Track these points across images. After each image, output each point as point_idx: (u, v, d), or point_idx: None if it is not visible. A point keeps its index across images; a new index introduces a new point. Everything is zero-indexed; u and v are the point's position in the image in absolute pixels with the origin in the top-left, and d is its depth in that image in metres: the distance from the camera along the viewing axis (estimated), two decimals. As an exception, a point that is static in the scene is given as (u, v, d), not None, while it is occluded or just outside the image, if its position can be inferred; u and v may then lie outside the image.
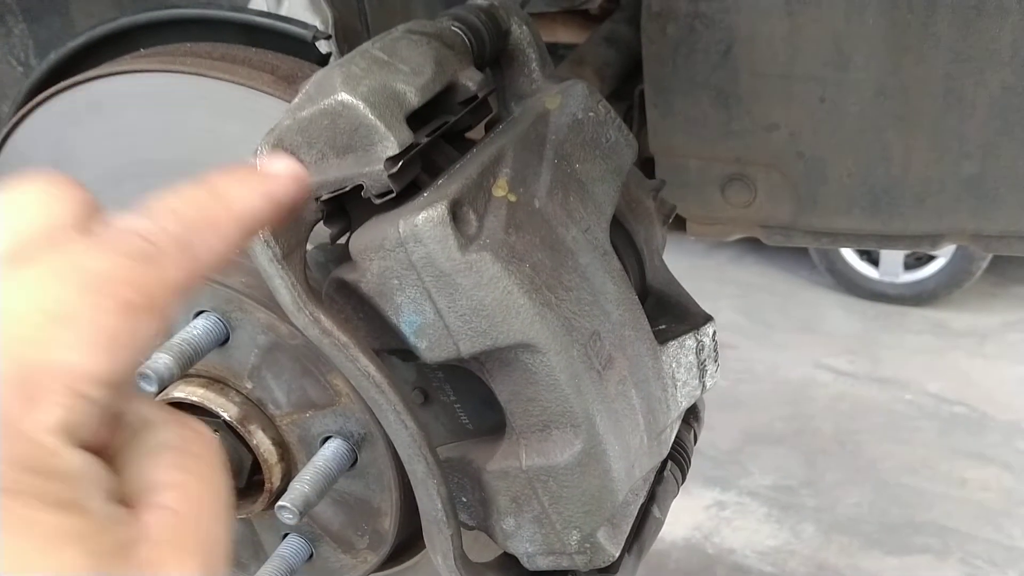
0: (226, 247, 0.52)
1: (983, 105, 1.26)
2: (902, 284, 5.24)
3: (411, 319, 0.77)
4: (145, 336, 0.45)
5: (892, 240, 1.42)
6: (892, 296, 5.28)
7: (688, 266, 5.77)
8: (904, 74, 1.27)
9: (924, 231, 1.38)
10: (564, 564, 0.84)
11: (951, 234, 1.38)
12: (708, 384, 0.96)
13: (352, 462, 0.94)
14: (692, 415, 1.06)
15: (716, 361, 0.97)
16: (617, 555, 0.84)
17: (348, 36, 0.96)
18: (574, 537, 0.82)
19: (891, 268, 5.23)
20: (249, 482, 1.00)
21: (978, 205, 1.33)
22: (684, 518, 3.73)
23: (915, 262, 5.21)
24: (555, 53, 1.72)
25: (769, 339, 4.97)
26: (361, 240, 0.77)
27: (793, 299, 5.43)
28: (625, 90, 1.55)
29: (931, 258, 5.15)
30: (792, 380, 4.63)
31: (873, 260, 5.28)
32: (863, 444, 4.14)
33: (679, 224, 1.55)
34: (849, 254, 5.28)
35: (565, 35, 1.88)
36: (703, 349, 0.95)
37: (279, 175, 0.58)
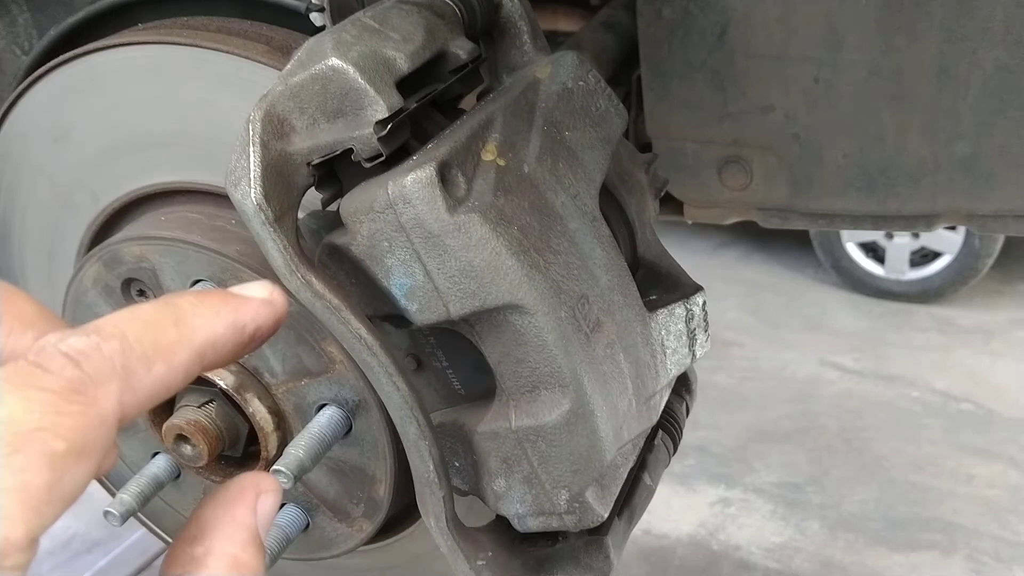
0: (177, 379, 0.46)
1: (977, 84, 1.26)
2: (908, 282, 5.24)
3: (401, 281, 0.78)
4: (79, 482, 0.40)
5: (888, 221, 1.42)
6: (898, 294, 5.27)
7: (695, 265, 5.76)
8: (897, 54, 1.27)
9: (919, 211, 1.38)
10: (554, 524, 0.85)
11: (946, 214, 1.38)
12: (698, 353, 0.97)
13: (347, 429, 0.95)
14: (684, 387, 1.07)
15: (706, 331, 0.98)
16: (606, 516, 0.85)
17: (343, 12, 0.97)
18: (563, 497, 0.83)
19: (897, 266, 5.23)
20: (245, 452, 1.01)
21: (972, 185, 1.33)
22: (689, 515, 3.73)
23: (921, 259, 5.21)
24: (554, 41, 1.73)
25: (775, 337, 4.97)
26: (351, 203, 0.78)
27: (799, 297, 5.43)
28: (623, 76, 1.56)
29: (937, 255, 5.15)
30: (798, 378, 4.62)
31: (879, 258, 5.28)
32: (869, 441, 4.14)
33: (677, 209, 1.56)
34: (855, 252, 5.28)
35: (565, 24, 1.89)
36: (693, 318, 0.95)
37: (253, 303, 0.52)
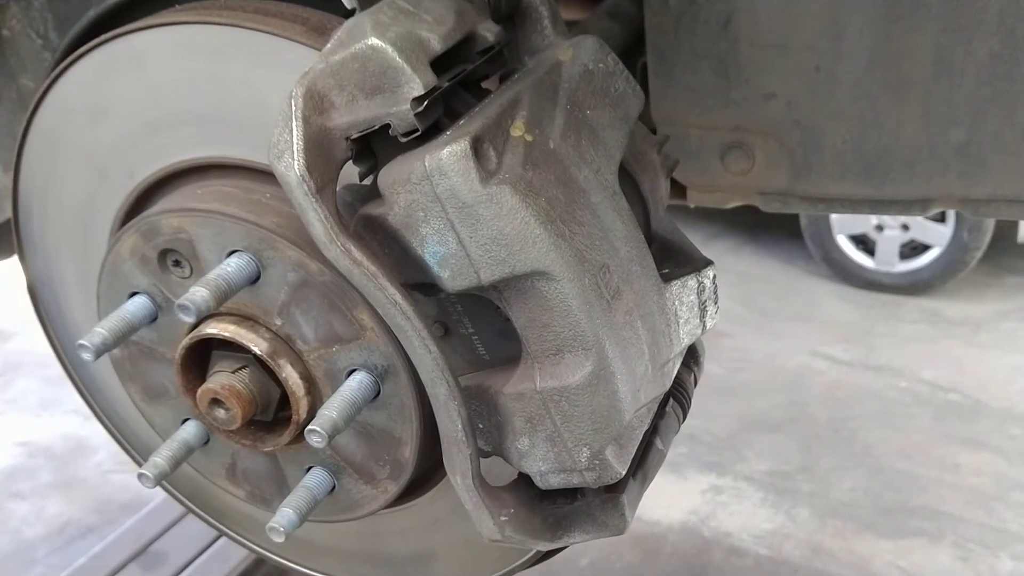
0: None
1: (971, 73, 1.31)
2: (897, 274, 5.31)
3: (435, 250, 0.83)
4: None
5: (884, 205, 1.46)
6: (887, 286, 5.34)
7: (686, 257, 5.82)
8: (895, 43, 1.31)
9: (915, 196, 1.43)
10: (574, 481, 0.90)
11: (940, 199, 1.42)
12: (708, 324, 1.02)
13: (375, 393, 0.99)
14: (692, 359, 1.12)
15: (716, 303, 1.03)
16: (624, 473, 0.90)
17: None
18: (584, 454, 0.87)
19: (886, 258, 5.29)
20: (276, 417, 1.06)
21: (966, 170, 1.38)
22: (681, 502, 3.78)
23: (910, 252, 5.27)
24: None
25: (766, 328, 5.03)
26: (389, 175, 0.83)
27: (790, 289, 5.49)
28: (627, 63, 1.60)
29: (926, 248, 5.21)
30: (788, 368, 4.68)
31: (869, 250, 5.35)
32: (858, 430, 4.19)
33: (680, 192, 1.61)
34: (845, 244, 5.35)
35: (566, 12, 1.92)
36: (704, 290, 1.01)
37: None
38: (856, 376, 4.61)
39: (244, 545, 1.38)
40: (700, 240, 5.83)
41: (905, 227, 5.22)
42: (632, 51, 1.58)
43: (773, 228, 5.79)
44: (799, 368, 4.68)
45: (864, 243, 5.35)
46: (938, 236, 5.16)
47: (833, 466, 3.97)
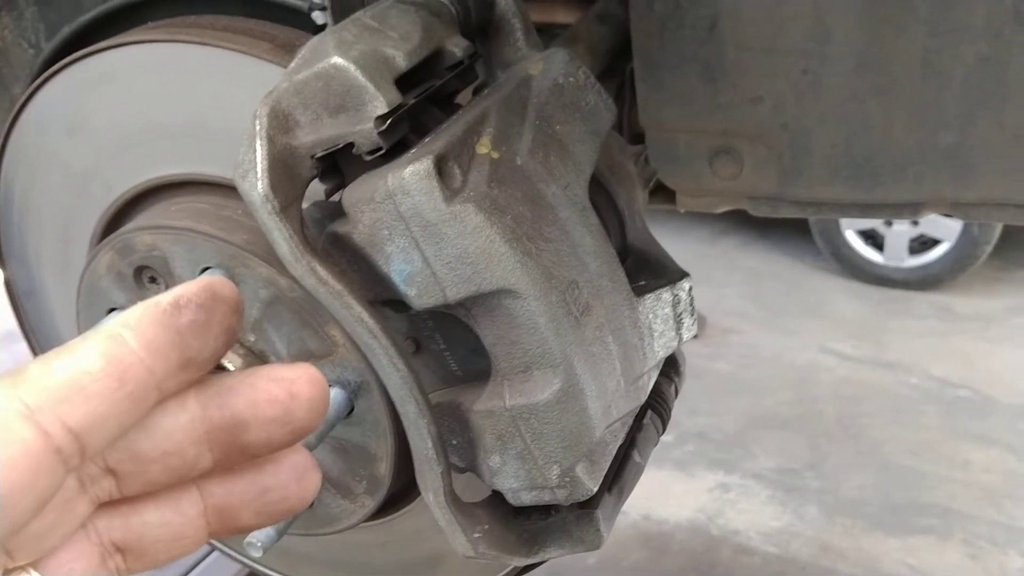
0: None
1: (959, 76, 1.29)
2: (907, 269, 5.28)
3: (401, 268, 0.83)
4: None
5: (875, 209, 1.45)
6: (897, 281, 5.31)
7: (695, 253, 5.85)
8: (883, 46, 1.30)
9: (905, 199, 1.41)
10: (546, 498, 0.89)
11: (931, 202, 1.41)
12: (685, 336, 1.01)
13: (349, 409, 0.99)
14: (673, 369, 1.11)
15: (693, 315, 1.02)
16: (595, 489, 0.89)
17: (345, 9, 1.01)
18: (554, 472, 0.87)
19: (896, 253, 5.26)
20: (252, 433, 1.05)
21: (956, 174, 1.36)
22: (688, 500, 3.77)
23: (920, 247, 5.24)
24: (551, 34, 1.77)
25: (775, 324, 5.01)
26: (353, 194, 0.82)
27: (799, 285, 5.47)
28: (617, 67, 1.59)
29: (936, 243, 5.18)
30: (797, 364, 4.66)
31: (878, 245, 5.32)
32: (867, 427, 4.18)
33: (670, 198, 1.60)
34: (854, 239, 5.32)
35: (563, 16, 1.92)
36: (679, 303, 1.00)
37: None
38: (865, 372, 4.59)
39: (234, 558, 1.38)
40: (708, 237, 5.83)
41: (914, 222, 5.19)
42: (622, 55, 1.57)
43: (781, 224, 5.77)
44: (808, 364, 4.67)
45: (873, 238, 5.33)
46: (948, 230, 5.13)
47: (842, 463, 3.96)
